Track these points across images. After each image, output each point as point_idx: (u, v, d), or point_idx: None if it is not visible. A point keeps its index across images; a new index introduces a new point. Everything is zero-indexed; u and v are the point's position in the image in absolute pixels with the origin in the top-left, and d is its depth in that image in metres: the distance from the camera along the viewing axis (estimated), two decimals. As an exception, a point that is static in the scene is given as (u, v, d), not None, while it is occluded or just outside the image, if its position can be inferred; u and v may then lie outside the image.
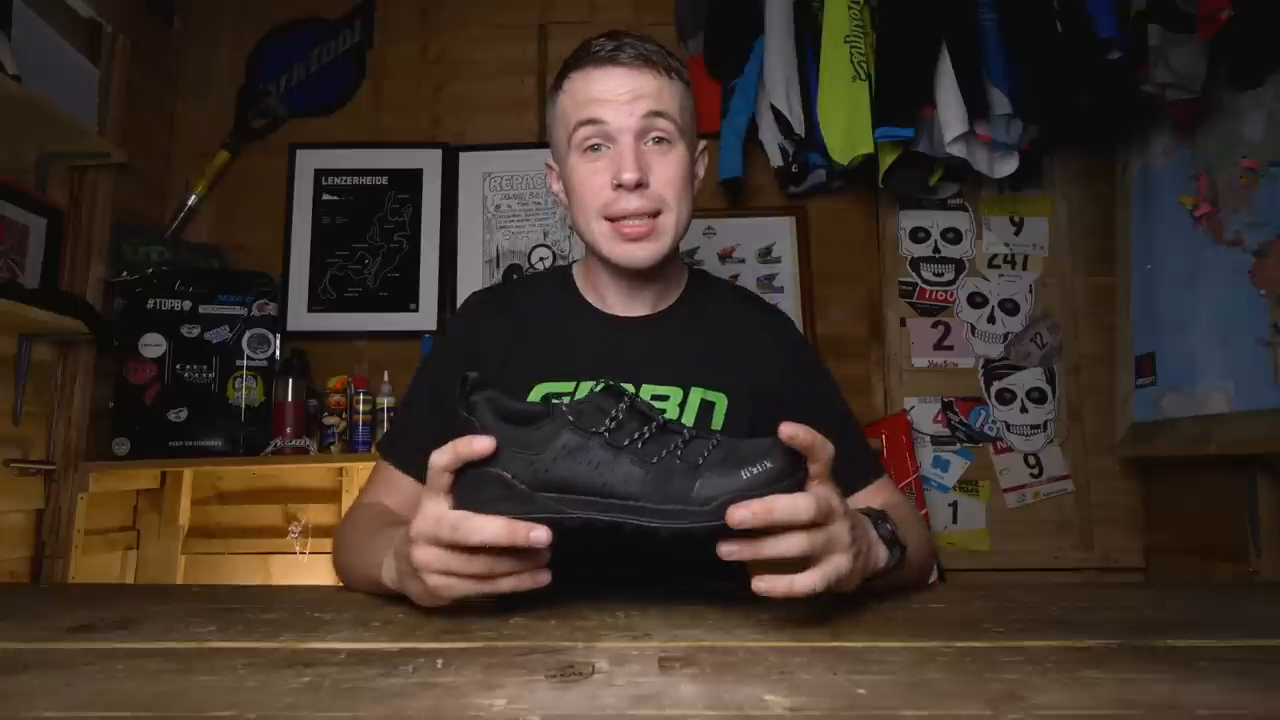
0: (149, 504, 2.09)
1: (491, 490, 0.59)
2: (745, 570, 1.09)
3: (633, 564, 0.79)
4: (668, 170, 0.90)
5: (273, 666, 0.49)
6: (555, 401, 0.62)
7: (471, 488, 0.60)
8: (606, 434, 0.59)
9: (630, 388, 0.92)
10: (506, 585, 0.61)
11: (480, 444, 0.60)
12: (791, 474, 0.58)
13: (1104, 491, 2.14)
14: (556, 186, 1.01)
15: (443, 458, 0.61)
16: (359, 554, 0.80)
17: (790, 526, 0.57)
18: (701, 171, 0.99)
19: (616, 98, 0.88)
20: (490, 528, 0.58)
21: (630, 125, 0.88)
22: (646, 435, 0.60)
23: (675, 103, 0.91)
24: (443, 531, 0.59)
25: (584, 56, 0.92)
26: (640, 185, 0.88)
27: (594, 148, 0.90)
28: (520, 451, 0.59)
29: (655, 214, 0.90)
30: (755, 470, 0.57)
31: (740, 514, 0.55)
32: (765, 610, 0.65)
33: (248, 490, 2.14)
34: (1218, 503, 1.84)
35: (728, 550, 0.57)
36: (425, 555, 0.60)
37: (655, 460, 0.58)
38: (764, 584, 0.57)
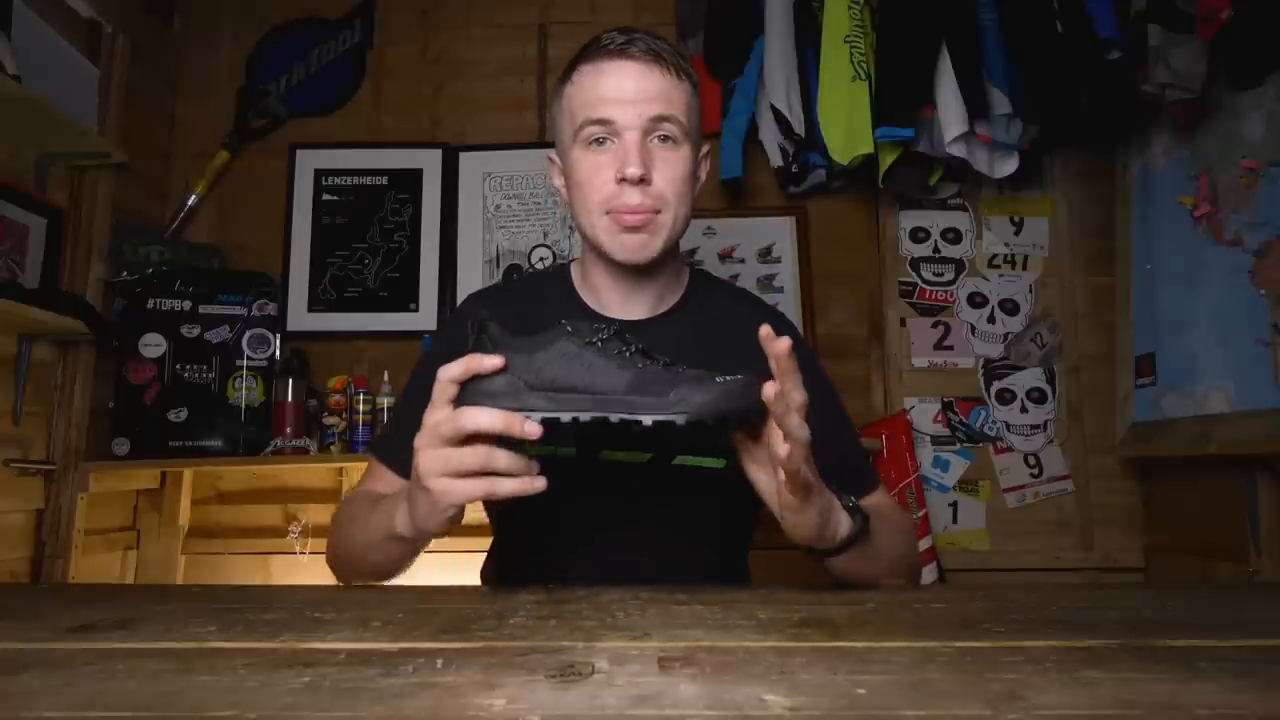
0: (149, 504, 2.09)
1: (493, 385, 0.65)
2: (745, 573, 1.09)
3: (633, 567, 0.79)
4: (671, 169, 0.90)
5: (273, 666, 0.49)
6: (561, 323, 0.69)
7: (474, 387, 0.66)
8: (599, 343, 0.67)
9: None
10: (505, 488, 0.65)
11: (490, 361, 0.65)
12: (755, 400, 0.65)
13: (1104, 491, 2.14)
14: (558, 181, 1.00)
15: (453, 369, 0.65)
16: (362, 526, 0.82)
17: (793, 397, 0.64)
18: (704, 174, 0.99)
19: (625, 96, 0.88)
20: (487, 416, 0.63)
21: (637, 124, 0.88)
22: (631, 350, 0.68)
23: (683, 104, 0.90)
24: (444, 429, 0.64)
25: (594, 49, 0.91)
26: (643, 180, 0.88)
27: (599, 141, 0.90)
28: (523, 356, 0.66)
29: (655, 212, 0.90)
30: (727, 378, 0.65)
31: (779, 346, 0.63)
32: (765, 610, 0.65)
33: (248, 490, 2.14)
34: (1218, 503, 1.84)
35: (772, 393, 0.62)
36: (427, 460, 0.65)
37: (640, 366, 0.67)
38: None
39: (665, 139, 0.90)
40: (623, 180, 0.88)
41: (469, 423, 0.63)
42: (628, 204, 0.88)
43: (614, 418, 0.64)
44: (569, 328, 0.67)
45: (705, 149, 0.99)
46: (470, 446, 0.64)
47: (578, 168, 0.92)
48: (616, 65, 0.88)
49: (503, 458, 0.65)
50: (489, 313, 0.70)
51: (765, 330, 0.64)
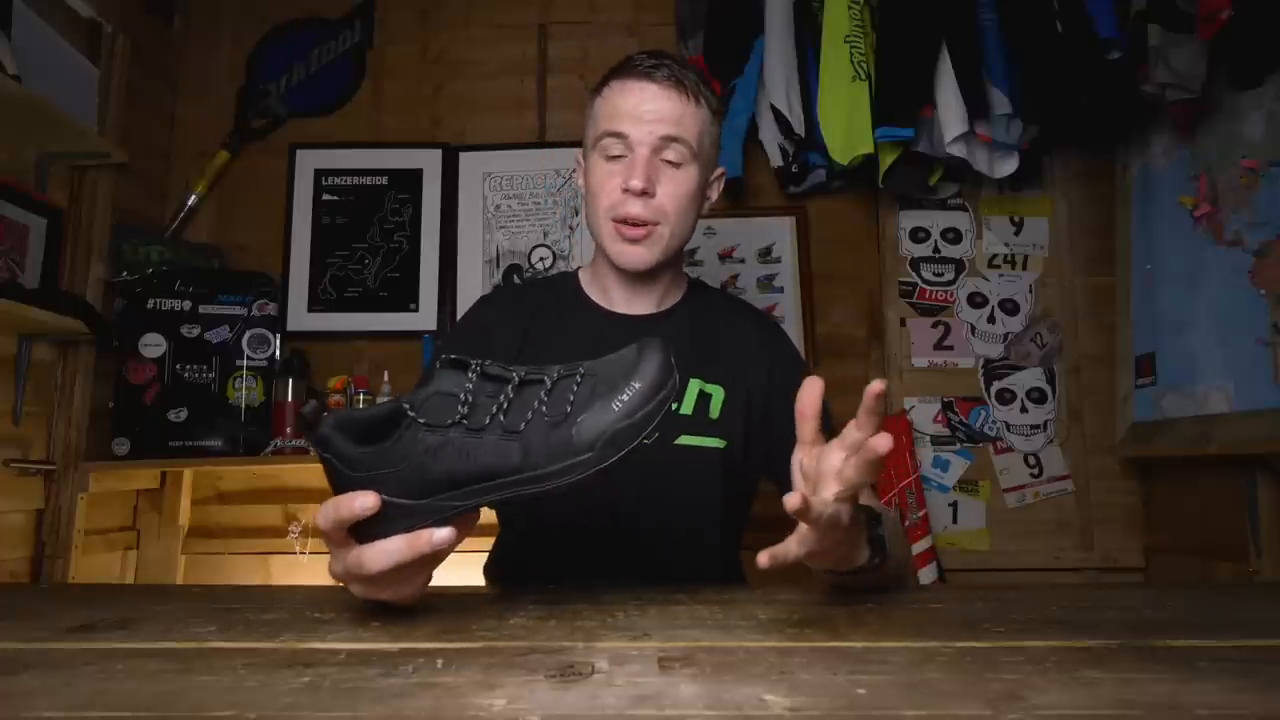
0: (149, 504, 2.09)
1: (380, 517, 0.56)
2: (739, 571, 1.09)
3: (632, 562, 0.80)
4: (674, 187, 0.98)
5: (273, 666, 0.49)
6: (399, 401, 0.58)
7: (363, 524, 0.57)
8: (464, 420, 0.56)
9: None
10: (446, 554, 0.60)
11: (361, 502, 0.56)
12: (663, 386, 0.57)
13: (1104, 491, 2.14)
14: (581, 180, 1.07)
15: (325, 522, 0.57)
16: None
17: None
18: (715, 195, 1.08)
19: (642, 115, 0.96)
20: (391, 550, 0.56)
21: (648, 141, 0.96)
22: (505, 403, 0.56)
23: (696, 129, 0.98)
24: (353, 569, 0.58)
25: (626, 67, 1.00)
26: (645, 193, 0.96)
27: (615, 152, 0.98)
28: (388, 470, 0.56)
29: (655, 224, 0.98)
30: (626, 396, 0.56)
31: (793, 502, 0.55)
32: (765, 610, 0.65)
33: (248, 490, 2.14)
34: (1218, 503, 1.84)
35: (797, 505, 0.55)
36: (361, 591, 0.61)
37: (523, 426, 0.56)
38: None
39: (673, 159, 0.97)
40: (627, 191, 0.96)
41: (376, 567, 0.56)
42: (629, 212, 0.97)
43: (525, 495, 0.56)
44: (420, 418, 0.55)
45: (719, 171, 1.08)
46: (391, 571, 0.57)
47: (592, 173, 1.01)
48: (640, 86, 0.97)
49: (434, 558, 0.59)
50: (320, 416, 0.58)
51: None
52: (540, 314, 1.07)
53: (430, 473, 0.56)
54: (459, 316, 1.35)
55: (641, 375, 0.57)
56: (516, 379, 0.58)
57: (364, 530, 0.57)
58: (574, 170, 1.11)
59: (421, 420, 0.56)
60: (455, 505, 0.57)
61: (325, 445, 0.57)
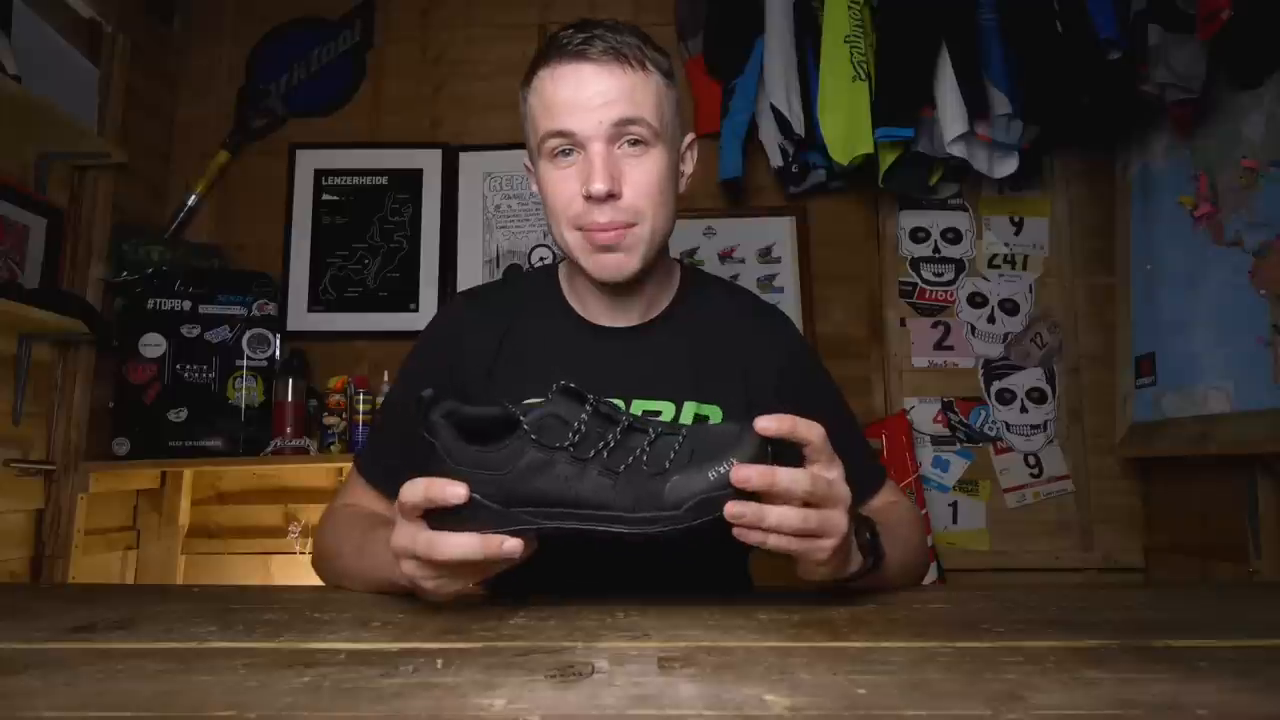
0: (149, 504, 2.09)
1: (463, 511, 0.59)
2: (745, 576, 1.08)
3: (633, 566, 0.79)
4: (643, 176, 0.83)
5: (273, 666, 0.49)
6: (513, 410, 0.61)
7: (444, 509, 0.60)
8: (571, 448, 0.59)
9: (621, 403, 0.90)
10: (500, 568, 0.63)
11: (453, 491, 0.58)
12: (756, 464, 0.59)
13: (1104, 491, 2.14)
14: (534, 187, 0.94)
15: (414, 496, 0.59)
16: (356, 554, 0.79)
17: (789, 499, 0.58)
18: (689, 167, 0.93)
19: (586, 103, 0.81)
20: (463, 543, 0.58)
21: (600, 133, 0.81)
22: (612, 443, 0.59)
23: (652, 101, 0.83)
24: (418, 549, 0.60)
25: (552, 50, 0.83)
26: (611, 196, 0.82)
27: (564, 153, 0.84)
28: (487, 472, 0.59)
29: (629, 226, 0.84)
30: (723, 469, 0.58)
31: (744, 472, 0.57)
32: (765, 610, 0.65)
33: (248, 490, 2.14)
34: (1218, 503, 1.84)
35: (736, 511, 0.57)
36: (412, 569, 0.62)
37: (622, 469, 0.59)
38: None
39: (634, 143, 0.83)
40: (589, 198, 0.82)
41: (445, 554, 0.58)
42: (597, 222, 0.83)
43: (600, 533, 0.59)
44: (533, 434, 0.59)
45: (689, 139, 0.92)
46: (456, 566, 0.60)
47: (545, 181, 0.87)
48: (573, 68, 0.81)
49: (489, 566, 0.61)
50: (437, 404, 0.62)
51: (760, 423, 0.60)
52: (516, 326, 0.95)
53: (528, 486, 0.59)
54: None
55: (740, 455, 0.59)
56: (625, 422, 0.61)
57: (439, 517, 0.60)
58: (527, 178, 0.95)
59: (534, 436, 0.59)
60: (535, 523, 0.59)
61: (433, 432, 0.61)
